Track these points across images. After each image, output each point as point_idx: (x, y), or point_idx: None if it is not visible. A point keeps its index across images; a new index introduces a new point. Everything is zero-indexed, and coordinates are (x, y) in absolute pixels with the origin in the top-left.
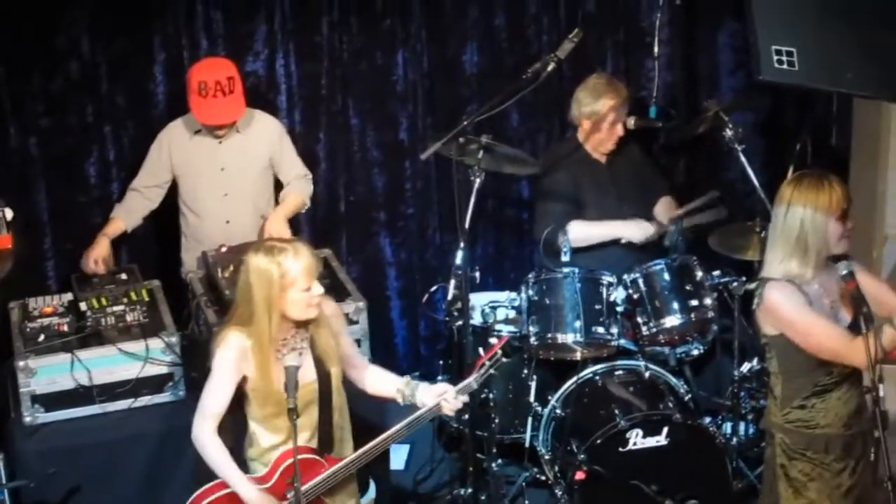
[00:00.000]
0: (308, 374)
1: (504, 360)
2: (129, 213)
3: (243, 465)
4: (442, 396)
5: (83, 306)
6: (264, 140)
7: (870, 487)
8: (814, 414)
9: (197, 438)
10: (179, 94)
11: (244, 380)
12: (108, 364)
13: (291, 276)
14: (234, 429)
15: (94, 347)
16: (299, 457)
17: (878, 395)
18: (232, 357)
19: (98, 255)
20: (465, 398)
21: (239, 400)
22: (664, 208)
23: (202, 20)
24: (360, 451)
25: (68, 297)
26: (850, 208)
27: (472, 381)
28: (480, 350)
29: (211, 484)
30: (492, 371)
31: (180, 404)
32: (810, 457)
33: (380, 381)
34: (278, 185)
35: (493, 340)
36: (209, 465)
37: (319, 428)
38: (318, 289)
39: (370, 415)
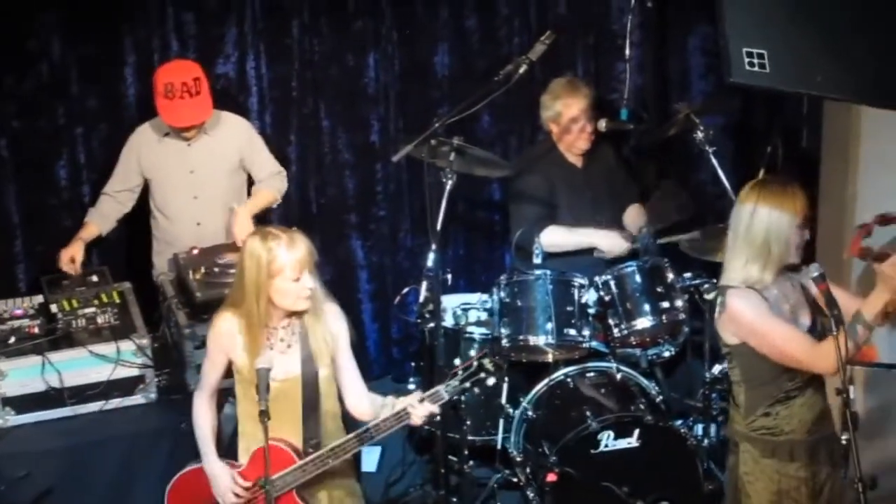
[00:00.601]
0: (292, 369)
1: (484, 376)
2: (102, 218)
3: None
4: (409, 404)
5: (54, 308)
6: (233, 141)
7: (839, 493)
8: (778, 421)
9: (192, 405)
10: (151, 96)
11: (232, 364)
12: (79, 366)
13: (279, 264)
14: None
15: (64, 350)
16: (270, 445)
17: (849, 398)
18: (219, 337)
19: (71, 255)
20: (434, 408)
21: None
22: (633, 216)
23: (173, 22)
24: (323, 450)
25: (39, 299)
26: (808, 218)
27: (441, 389)
28: (456, 361)
29: (188, 468)
30: (466, 385)
31: (151, 407)
32: (774, 465)
33: (371, 405)
34: (252, 185)
35: (472, 353)
36: (195, 432)
37: (304, 426)
38: (308, 282)
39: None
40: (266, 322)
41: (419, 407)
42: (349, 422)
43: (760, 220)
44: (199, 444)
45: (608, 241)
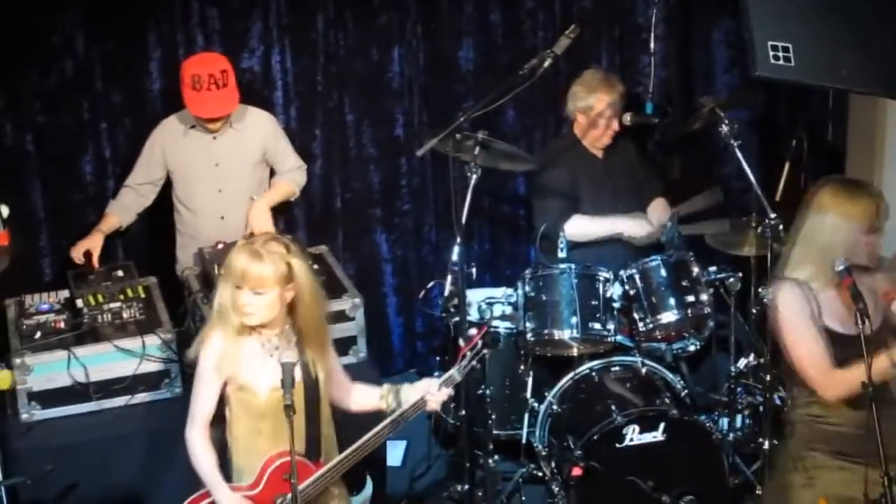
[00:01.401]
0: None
1: (485, 351)
2: (123, 210)
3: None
4: (425, 390)
5: (80, 303)
6: (258, 134)
7: None
8: (829, 411)
9: (186, 441)
10: (175, 91)
11: (227, 383)
12: (105, 361)
13: (226, 269)
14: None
15: (90, 344)
16: (287, 459)
17: (871, 391)
18: (210, 360)
19: (87, 247)
20: (450, 391)
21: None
22: (658, 210)
23: (198, 17)
24: (347, 451)
25: (65, 294)
26: (882, 220)
27: (454, 372)
28: (460, 342)
29: (200, 492)
30: (474, 363)
31: (177, 401)
32: (824, 452)
33: (363, 396)
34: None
35: (472, 331)
36: (195, 468)
37: (307, 434)
38: (246, 298)
39: (360, 418)
40: (240, 331)
41: (438, 394)
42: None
43: (824, 225)
44: (203, 478)
45: (634, 226)
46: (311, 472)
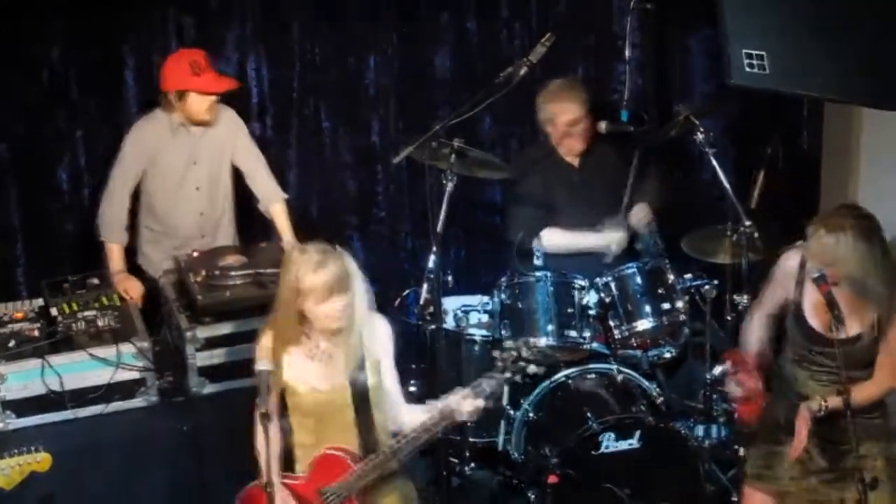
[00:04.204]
0: (337, 380)
1: (524, 364)
2: (122, 233)
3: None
4: (453, 399)
5: (54, 311)
6: (231, 130)
7: None
8: None
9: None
10: (151, 99)
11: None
12: (80, 369)
13: (306, 287)
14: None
15: (65, 353)
16: (328, 453)
17: (849, 398)
18: (260, 357)
19: (131, 294)
20: (479, 402)
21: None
22: (639, 216)
23: (174, 25)
24: (378, 453)
25: (39, 302)
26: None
27: (483, 382)
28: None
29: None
30: (508, 375)
31: (152, 410)
32: None
33: (410, 413)
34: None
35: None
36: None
37: (360, 436)
38: (338, 303)
39: None
40: (299, 336)
41: (464, 403)
42: None
43: None
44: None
45: (605, 239)
46: (345, 470)
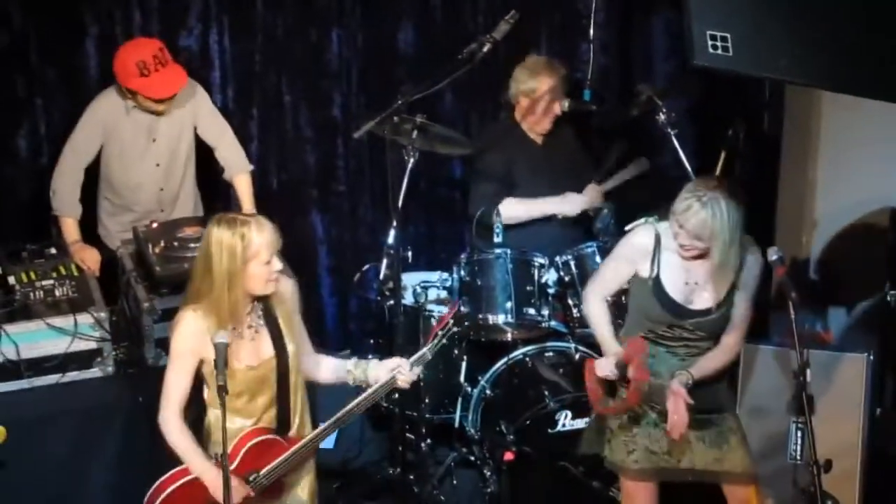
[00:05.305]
0: (266, 351)
1: (456, 329)
2: (74, 206)
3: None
4: (396, 370)
5: (11, 280)
6: (191, 104)
7: None
8: None
9: (161, 423)
10: (112, 68)
11: (202, 363)
12: (37, 339)
13: (254, 249)
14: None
15: (21, 322)
16: (261, 438)
17: (805, 381)
18: (187, 340)
19: (88, 264)
20: (420, 370)
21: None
22: (590, 193)
23: None
24: (317, 430)
25: None
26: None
27: (426, 351)
28: (432, 321)
29: (174, 470)
30: (444, 341)
31: (108, 380)
32: None
33: (329, 367)
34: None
35: (443, 308)
36: (174, 450)
37: (278, 408)
38: (278, 264)
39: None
40: (236, 310)
41: (409, 373)
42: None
43: None
44: (184, 459)
45: (564, 205)
46: (281, 451)
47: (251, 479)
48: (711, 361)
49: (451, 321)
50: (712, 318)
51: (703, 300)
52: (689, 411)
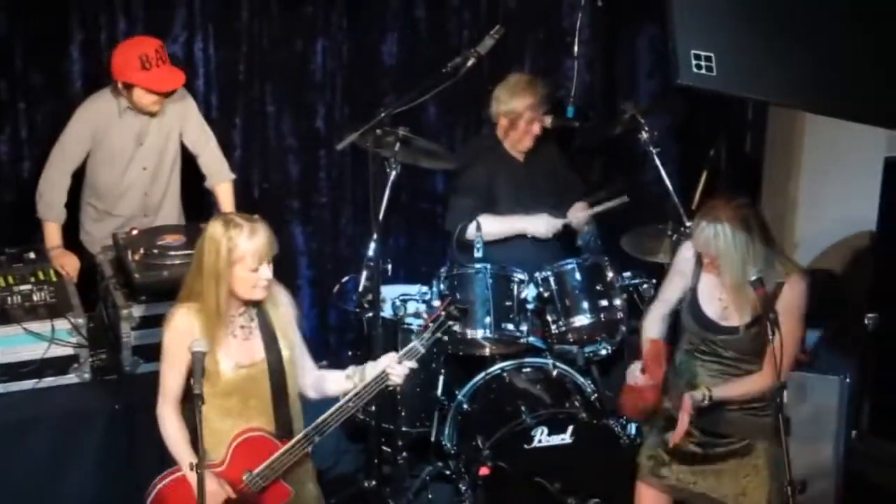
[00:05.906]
0: (256, 354)
1: (450, 323)
2: (59, 211)
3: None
4: (387, 364)
5: None
6: (179, 110)
7: None
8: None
9: (157, 417)
10: (96, 74)
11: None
12: (13, 343)
13: (239, 253)
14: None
15: None
16: (251, 435)
17: (782, 402)
18: (178, 336)
19: (67, 270)
20: (413, 364)
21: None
22: (577, 211)
23: (121, 0)
24: (309, 427)
25: None
26: None
27: (416, 344)
28: (424, 314)
29: (172, 469)
30: (439, 335)
31: (85, 386)
32: None
33: (335, 379)
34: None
35: (436, 303)
36: (166, 445)
37: (276, 412)
38: (266, 272)
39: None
40: (225, 311)
41: (398, 367)
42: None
43: None
44: (174, 455)
45: (537, 225)
46: (272, 451)
47: (245, 478)
48: (736, 387)
49: (444, 314)
50: (739, 338)
51: (734, 319)
52: (692, 426)
